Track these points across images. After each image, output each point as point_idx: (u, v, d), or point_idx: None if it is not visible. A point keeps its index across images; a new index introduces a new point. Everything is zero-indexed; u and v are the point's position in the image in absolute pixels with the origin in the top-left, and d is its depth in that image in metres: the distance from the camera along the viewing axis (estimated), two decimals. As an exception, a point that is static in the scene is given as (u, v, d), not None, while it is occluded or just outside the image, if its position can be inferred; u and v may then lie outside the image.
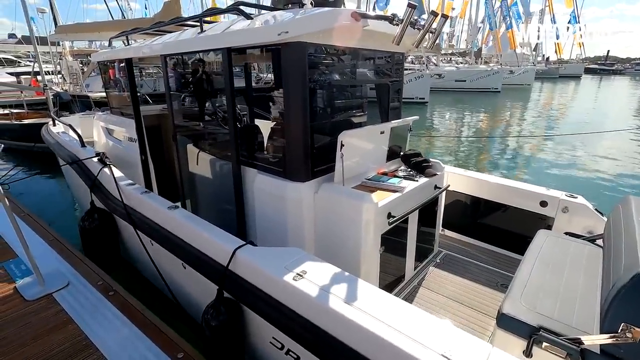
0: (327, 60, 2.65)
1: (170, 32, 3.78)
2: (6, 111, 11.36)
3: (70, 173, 4.34)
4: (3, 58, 23.71)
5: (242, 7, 2.49)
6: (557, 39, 44.25)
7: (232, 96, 2.64)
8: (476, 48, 36.76)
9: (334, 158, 2.50)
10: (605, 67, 67.99)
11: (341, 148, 2.40)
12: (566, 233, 2.65)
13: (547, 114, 17.69)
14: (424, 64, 22.87)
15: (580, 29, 41.89)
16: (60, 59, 17.44)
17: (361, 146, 2.75)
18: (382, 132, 2.87)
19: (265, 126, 3.29)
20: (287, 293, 1.76)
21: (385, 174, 2.90)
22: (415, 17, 2.31)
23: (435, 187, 2.97)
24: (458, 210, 3.57)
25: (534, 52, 42.23)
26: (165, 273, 2.77)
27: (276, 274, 1.82)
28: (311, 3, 2.50)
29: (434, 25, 2.25)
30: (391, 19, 2.21)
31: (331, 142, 2.64)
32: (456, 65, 32.58)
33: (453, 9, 39.30)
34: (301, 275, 1.79)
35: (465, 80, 26.75)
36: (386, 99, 3.13)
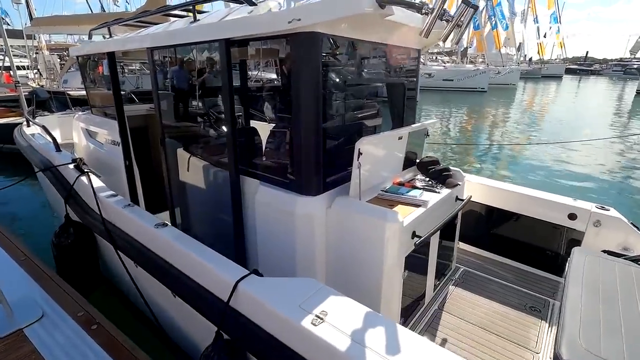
0: (340, 55, 2.32)
1: (156, 23, 3.39)
2: None
3: (46, 182, 3.88)
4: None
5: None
6: (539, 38, 45.43)
7: (231, 95, 2.28)
8: (462, 48, 37.05)
9: (347, 166, 2.18)
10: (584, 68, 69.90)
11: (358, 157, 2.08)
12: (604, 251, 2.40)
13: (535, 116, 17.86)
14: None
15: (559, 30, 43.13)
16: (36, 53, 16.55)
17: (378, 154, 2.44)
18: (400, 138, 2.57)
19: (264, 129, 2.95)
20: (306, 342, 1.43)
21: (401, 184, 2.60)
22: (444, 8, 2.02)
23: (457, 198, 2.69)
24: (475, 222, 3.30)
25: (517, 52, 42.98)
26: (152, 302, 2.39)
27: (291, 316, 1.49)
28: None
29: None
30: (420, 7, 1.90)
31: (344, 148, 2.32)
32: (443, 64, 32.72)
33: (439, 8, 39.51)
34: (321, 318, 1.47)
35: (452, 80, 26.91)
36: (401, 100, 2.82)
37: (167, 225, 2.28)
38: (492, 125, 15.33)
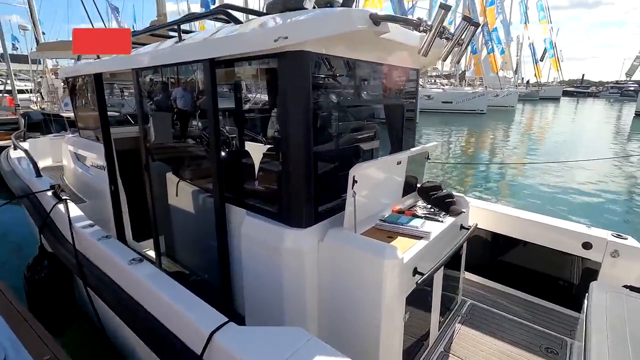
0: (333, 75, 2.18)
1: (147, 44, 3.29)
2: None
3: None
4: (-21, 76, 22.83)
5: (229, 11, 2.01)
6: (536, 63, 46.27)
7: (216, 117, 2.12)
8: (460, 71, 37.65)
9: (342, 193, 1.99)
10: (581, 90, 70.78)
11: (353, 185, 1.88)
12: (625, 286, 2.17)
13: (535, 137, 17.85)
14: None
15: (554, 54, 43.99)
16: (41, 77, 16.78)
17: (375, 181, 2.25)
18: (398, 163, 2.39)
19: (254, 153, 2.79)
20: None
21: (401, 212, 2.40)
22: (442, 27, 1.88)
23: (461, 227, 2.48)
24: (481, 250, 3.07)
25: (515, 75, 43.64)
26: (127, 345, 2.14)
27: None
28: (314, 7, 2.05)
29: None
30: (418, 24, 1.75)
31: (339, 173, 2.14)
32: (442, 87, 33.14)
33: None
34: None
35: (451, 102, 27.16)
36: (400, 122, 2.66)
37: (142, 260, 2.07)
38: (493, 145, 15.28)
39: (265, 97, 4.04)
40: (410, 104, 2.71)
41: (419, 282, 1.82)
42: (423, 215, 2.36)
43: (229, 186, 2.27)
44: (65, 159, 4.32)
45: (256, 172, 2.34)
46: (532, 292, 2.90)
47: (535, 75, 49.17)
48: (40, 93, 15.46)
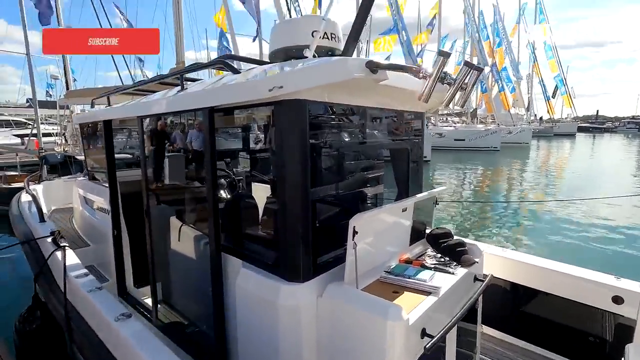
0: (332, 119, 2.14)
1: (156, 91, 3.40)
2: None
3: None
4: (12, 120, 24.30)
5: (228, 61, 2.04)
6: (548, 99, 46.46)
7: (213, 163, 2.09)
8: (471, 109, 38.04)
9: (343, 242, 1.86)
10: (597, 126, 70.13)
11: (353, 236, 1.77)
12: None
13: (553, 173, 17.42)
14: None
15: (566, 91, 44.21)
16: (67, 121, 17.74)
17: (379, 229, 2.13)
18: (404, 210, 2.27)
19: (265, 192, 2.72)
20: None
21: (409, 261, 2.24)
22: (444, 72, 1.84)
23: (475, 278, 2.29)
24: (498, 301, 2.82)
25: (527, 112, 43.72)
26: None
27: None
28: (314, 56, 2.06)
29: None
30: (417, 71, 1.72)
31: (339, 221, 2.03)
32: (454, 125, 33.35)
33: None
34: None
35: (464, 140, 27.14)
36: (405, 166, 2.58)
37: (131, 316, 1.94)
38: (509, 183, 14.93)
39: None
40: (416, 147, 2.64)
41: (427, 346, 1.63)
42: (432, 265, 2.20)
43: (226, 233, 2.18)
44: (75, 201, 4.36)
45: (260, 217, 2.25)
46: (557, 350, 2.60)
47: (547, 111, 49.19)
48: (64, 136, 16.24)
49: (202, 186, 2.93)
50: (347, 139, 2.26)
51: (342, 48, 2.36)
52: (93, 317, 2.09)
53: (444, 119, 37.49)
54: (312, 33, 2.20)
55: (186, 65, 10.31)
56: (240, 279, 1.96)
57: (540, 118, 55.40)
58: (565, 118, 59.87)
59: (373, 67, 1.60)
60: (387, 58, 30.91)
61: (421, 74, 1.74)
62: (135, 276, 3.44)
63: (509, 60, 33.96)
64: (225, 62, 2.00)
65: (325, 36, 2.26)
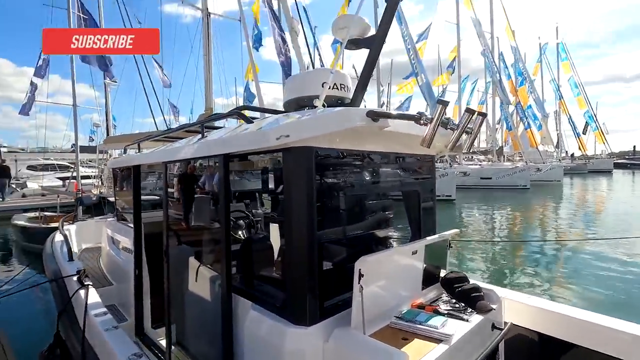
0: (340, 162, 2.23)
1: (182, 138, 3.66)
2: (36, 214, 11.74)
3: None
4: (57, 164, 26.26)
5: (244, 112, 2.21)
6: (578, 136, 45.12)
7: (227, 205, 2.19)
8: (497, 147, 37.45)
9: (350, 286, 1.86)
10: (635, 162, 66.62)
11: (360, 279, 1.77)
12: None
13: (591, 211, 16.48)
14: (446, 162, 23.03)
15: (597, 127, 42.88)
16: (104, 165, 19.01)
17: (387, 272, 2.11)
18: (414, 253, 2.25)
19: (271, 239, 2.78)
20: None
21: (421, 306, 2.18)
22: (447, 117, 1.91)
23: (493, 326, 2.18)
24: (523, 353, 2.63)
25: (557, 149, 42.45)
26: None
27: None
28: (323, 105, 2.20)
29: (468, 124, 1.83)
30: (417, 119, 1.80)
31: (347, 264, 2.04)
32: (479, 163, 32.77)
33: (468, 112, 41.58)
34: None
35: (491, 178, 26.46)
36: (416, 208, 2.58)
37: (142, 357, 1.98)
38: (543, 221, 14.19)
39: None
40: (427, 189, 2.66)
41: None
42: (446, 311, 2.13)
43: (238, 274, 2.22)
44: (103, 241, 4.59)
45: (274, 258, 2.30)
46: None
47: (579, 148, 47.62)
48: (101, 178, 17.29)
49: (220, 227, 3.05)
50: (355, 182, 2.32)
51: (350, 97, 2.50)
52: (107, 357, 2.14)
53: (469, 157, 37.02)
54: (322, 84, 2.36)
55: (214, 111, 10.98)
56: (249, 320, 1.98)
57: (572, 155, 53.48)
58: (600, 154, 57.49)
59: (374, 116, 1.70)
60: (408, 99, 31.62)
61: (422, 121, 1.82)
62: (154, 316, 3.50)
63: (533, 98, 33.72)
64: (240, 112, 2.17)
65: (335, 87, 2.42)
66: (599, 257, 8.47)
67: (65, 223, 5.87)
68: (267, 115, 2.47)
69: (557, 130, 44.39)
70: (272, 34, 10.61)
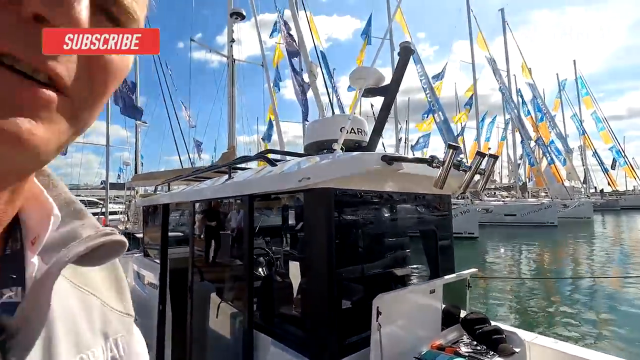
0: (358, 202, 2.34)
1: (209, 178, 3.89)
2: None
3: None
4: (87, 200, 27.53)
5: (269, 155, 2.40)
6: (606, 171, 43.59)
7: (251, 243, 2.31)
8: (520, 182, 36.59)
9: (369, 324, 1.89)
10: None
11: (377, 317, 1.81)
12: None
13: (628, 249, 15.56)
14: (467, 198, 22.63)
15: (626, 162, 41.39)
16: (130, 202, 19.79)
17: (406, 311, 2.14)
18: (432, 292, 2.27)
19: (292, 278, 2.85)
20: None
21: (441, 347, 2.16)
22: (459, 159, 2.02)
23: None
24: None
25: (584, 185, 40.98)
26: None
27: None
28: (342, 148, 2.36)
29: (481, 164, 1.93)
30: (430, 162, 1.92)
31: (366, 302, 2.08)
32: (502, 199, 31.95)
33: (489, 148, 41.40)
34: None
35: (515, 215, 25.60)
36: (434, 247, 2.63)
37: None
38: (575, 260, 13.47)
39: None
40: (444, 228, 2.71)
41: None
42: (467, 354, 2.10)
43: (259, 311, 2.29)
44: (129, 276, 4.75)
45: (294, 295, 2.37)
46: None
47: (608, 183, 45.83)
48: (127, 215, 17.93)
49: (242, 264, 3.16)
50: (373, 221, 2.41)
51: (367, 140, 2.67)
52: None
53: (492, 193, 36.25)
54: (340, 129, 2.54)
55: (236, 149, 11.42)
56: (269, 356, 2.02)
57: (601, 191, 51.35)
58: (632, 190, 55.03)
59: (388, 160, 1.84)
60: (427, 136, 31.85)
61: (434, 164, 1.94)
62: (174, 353, 3.54)
63: (555, 133, 33.29)
64: (265, 156, 2.36)
65: (352, 131, 2.60)
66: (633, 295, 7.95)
67: None
68: (289, 158, 2.65)
69: (583, 165, 43.15)
70: (291, 78, 11.26)
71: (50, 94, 0.29)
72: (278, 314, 2.44)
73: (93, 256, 0.39)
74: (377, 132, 2.54)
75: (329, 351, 1.81)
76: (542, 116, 33.28)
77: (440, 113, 18.94)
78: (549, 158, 31.70)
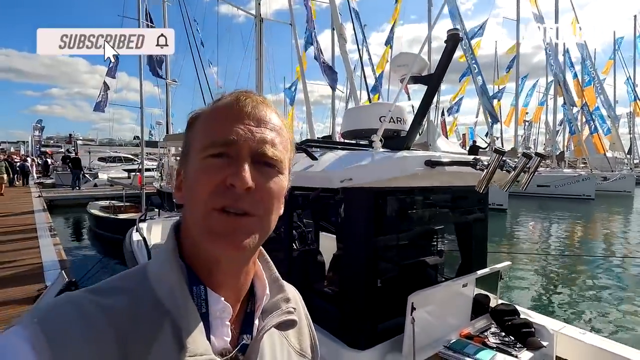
0: (396, 196, 2.37)
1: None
2: (107, 204, 13.13)
3: None
4: (123, 156, 28.84)
5: (308, 146, 2.43)
6: (655, 141, 40.18)
7: (290, 235, 2.43)
8: (557, 152, 34.70)
9: (402, 312, 2.01)
10: None
11: (412, 312, 1.92)
12: None
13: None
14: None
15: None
16: (162, 160, 20.55)
17: (438, 304, 2.23)
18: (464, 285, 2.34)
19: (331, 242, 2.95)
20: None
21: (470, 337, 2.27)
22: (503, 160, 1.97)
23: None
24: None
25: (628, 157, 38.35)
26: None
27: None
28: (380, 140, 2.36)
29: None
30: (474, 164, 1.90)
31: (399, 292, 2.18)
32: (536, 169, 30.47)
33: (526, 113, 39.04)
34: None
35: (549, 186, 24.59)
36: (468, 241, 2.65)
37: None
38: (608, 237, 13.04)
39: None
40: (480, 221, 2.71)
41: None
42: (495, 345, 2.20)
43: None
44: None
45: (325, 284, 2.50)
46: None
47: (657, 155, 42.54)
48: (161, 173, 18.74)
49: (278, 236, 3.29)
50: (409, 214, 2.45)
51: (406, 129, 2.63)
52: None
53: (525, 161, 34.55)
54: (380, 118, 2.51)
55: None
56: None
57: (647, 162, 47.92)
58: (682, 162, 50.98)
59: (431, 164, 1.83)
60: (460, 100, 30.33)
61: (478, 166, 1.92)
62: None
63: (601, 99, 30.72)
64: (304, 148, 2.39)
65: (391, 120, 2.56)
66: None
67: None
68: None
69: (630, 134, 40.09)
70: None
71: (246, 219, 0.53)
72: (313, 292, 2.59)
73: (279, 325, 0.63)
74: (418, 122, 2.49)
75: (363, 340, 1.95)
76: (590, 80, 30.60)
77: (479, 77, 17.84)
78: (592, 127, 29.55)
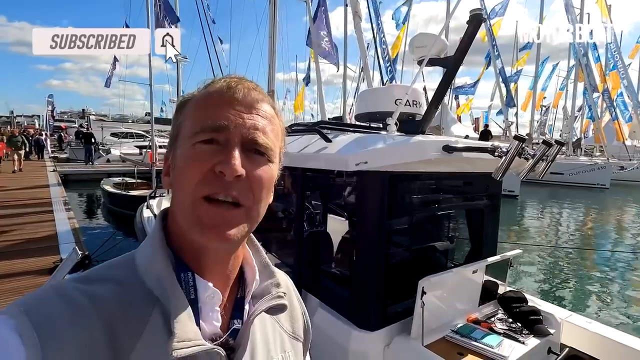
0: (410, 181, 2.35)
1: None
2: (119, 180, 13.37)
3: None
4: (135, 133, 29.08)
5: (322, 128, 2.41)
6: (678, 130, 38.80)
7: (302, 215, 2.45)
8: (574, 138, 33.79)
9: (411, 294, 2.03)
10: None
11: (422, 296, 1.94)
12: None
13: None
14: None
15: None
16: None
17: (448, 289, 2.24)
18: (474, 272, 2.34)
19: (339, 225, 2.97)
20: None
21: (477, 322, 2.29)
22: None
23: (549, 351, 2.22)
24: None
25: (649, 145, 37.14)
26: None
27: None
28: (396, 123, 2.32)
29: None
30: (492, 151, 1.86)
31: (410, 277, 2.20)
32: (550, 155, 29.81)
33: (544, 97, 37.86)
34: None
35: (563, 174, 24.07)
36: (479, 226, 2.64)
37: None
38: (620, 228, 12.85)
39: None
40: (492, 208, 2.68)
41: None
42: (502, 330, 2.22)
43: (306, 271, 2.49)
44: None
45: (333, 266, 2.53)
46: None
47: (679, 144, 41.12)
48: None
49: (289, 217, 3.30)
50: (422, 199, 2.44)
51: (422, 113, 2.58)
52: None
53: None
54: (396, 101, 2.47)
55: (274, 92, 11.29)
56: (317, 318, 2.25)
57: (669, 152, 46.38)
58: None
59: (449, 150, 1.80)
60: (477, 81, 29.51)
61: (497, 153, 1.88)
62: None
63: (624, 85, 29.53)
64: (319, 130, 2.37)
65: (407, 103, 2.51)
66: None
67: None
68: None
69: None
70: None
71: (235, 210, 0.53)
72: (323, 273, 2.63)
73: (270, 310, 0.63)
74: (434, 105, 2.44)
75: (372, 321, 1.99)
76: (615, 64, 29.33)
77: (499, 61, 17.28)
78: (613, 113, 28.55)
